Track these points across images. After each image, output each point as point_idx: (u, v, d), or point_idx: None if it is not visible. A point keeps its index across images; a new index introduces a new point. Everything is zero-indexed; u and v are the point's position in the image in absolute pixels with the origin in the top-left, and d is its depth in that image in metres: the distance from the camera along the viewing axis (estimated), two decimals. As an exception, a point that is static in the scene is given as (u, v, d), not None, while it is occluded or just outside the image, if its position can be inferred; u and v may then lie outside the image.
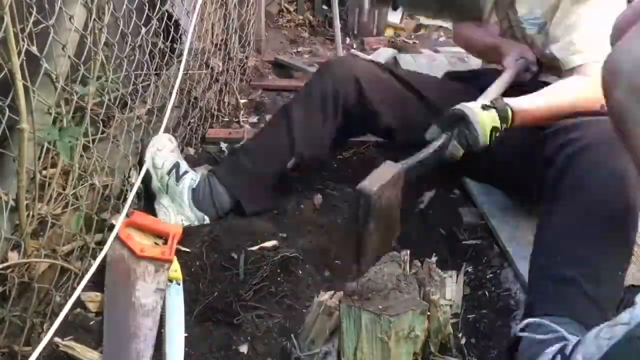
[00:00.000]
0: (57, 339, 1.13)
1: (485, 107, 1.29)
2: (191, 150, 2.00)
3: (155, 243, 1.43)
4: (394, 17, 3.66)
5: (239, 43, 2.53)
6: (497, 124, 1.29)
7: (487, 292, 1.42)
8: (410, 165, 1.26)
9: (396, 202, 1.24)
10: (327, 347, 1.19)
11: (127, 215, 1.41)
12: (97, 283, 1.33)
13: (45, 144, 1.12)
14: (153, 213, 1.60)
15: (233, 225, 1.61)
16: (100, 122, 1.35)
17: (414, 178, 1.27)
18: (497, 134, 1.30)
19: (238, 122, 2.32)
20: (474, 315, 1.34)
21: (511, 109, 1.31)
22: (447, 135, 1.31)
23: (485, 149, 1.30)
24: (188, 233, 1.58)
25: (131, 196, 1.37)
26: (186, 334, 1.25)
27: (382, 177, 1.18)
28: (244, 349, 1.22)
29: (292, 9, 3.83)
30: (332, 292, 1.28)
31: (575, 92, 1.39)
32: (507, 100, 1.34)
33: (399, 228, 1.30)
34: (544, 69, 1.61)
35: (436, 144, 1.30)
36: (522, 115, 1.33)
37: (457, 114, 1.30)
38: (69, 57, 1.15)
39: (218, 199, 1.61)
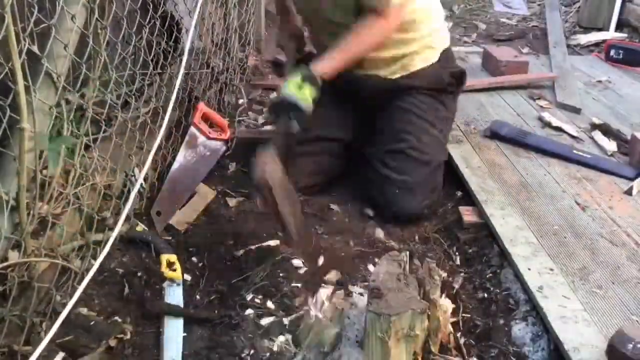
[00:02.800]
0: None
1: (300, 86, 1.54)
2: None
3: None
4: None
5: (239, 42, 2.53)
6: (315, 92, 1.56)
7: (486, 292, 1.42)
8: (275, 146, 1.50)
9: (283, 175, 1.48)
10: (326, 347, 1.19)
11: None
12: (97, 283, 1.33)
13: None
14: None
15: (233, 225, 1.62)
16: (102, 121, 1.35)
17: (283, 147, 1.54)
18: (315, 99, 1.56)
19: (238, 121, 2.32)
20: (473, 315, 1.34)
21: (321, 76, 1.57)
22: (283, 120, 1.55)
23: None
24: (187, 233, 1.59)
25: (132, 195, 1.37)
26: (185, 334, 1.26)
27: (266, 163, 1.43)
28: (243, 348, 1.22)
29: (292, 9, 3.82)
30: (332, 293, 1.29)
31: (370, 37, 1.67)
32: (314, 68, 1.58)
33: (294, 192, 1.55)
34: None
35: (281, 131, 1.56)
36: (330, 74, 1.60)
37: (286, 104, 1.53)
38: (70, 56, 1.15)
39: None
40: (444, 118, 1.85)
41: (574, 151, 1.96)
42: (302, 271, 1.46)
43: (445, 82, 1.85)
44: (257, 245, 1.52)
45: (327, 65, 1.61)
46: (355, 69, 1.75)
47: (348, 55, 1.65)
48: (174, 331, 1.25)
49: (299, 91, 1.53)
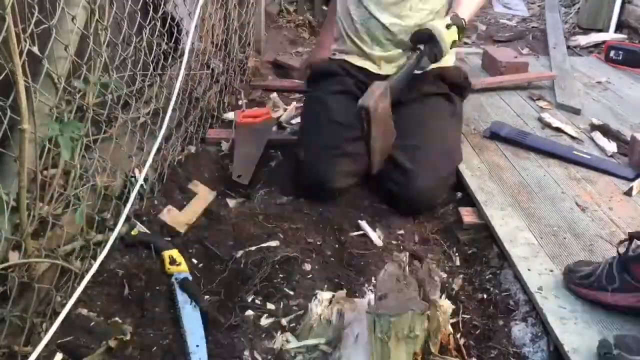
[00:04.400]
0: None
1: (448, 26, 1.66)
2: (192, 149, 2.01)
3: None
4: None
5: (239, 43, 2.53)
6: (456, 37, 1.68)
7: (486, 293, 1.42)
8: (394, 81, 1.66)
9: (388, 112, 1.62)
10: (326, 348, 1.19)
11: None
12: (97, 283, 1.33)
13: (47, 144, 1.12)
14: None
15: (233, 226, 1.62)
16: (103, 122, 1.36)
17: (399, 90, 1.68)
18: (456, 44, 1.71)
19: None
20: (473, 316, 1.34)
21: (464, 21, 1.71)
22: (418, 53, 1.71)
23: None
24: (187, 235, 1.59)
25: (132, 196, 1.37)
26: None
27: (375, 92, 1.53)
28: (243, 349, 1.23)
29: (292, 10, 3.83)
30: (332, 294, 1.29)
31: None
32: (459, 14, 1.71)
33: (394, 132, 1.67)
34: None
35: (410, 64, 1.71)
36: (468, 21, 1.74)
37: (426, 33, 1.68)
38: (71, 57, 1.16)
39: None
40: (459, 121, 1.98)
41: (574, 152, 1.96)
42: (302, 272, 1.46)
43: (466, 81, 1.99)
44: (257, 246, 1.52)
45: (466, 13, 1.72)
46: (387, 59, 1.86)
47: (474, 6, 1.80)
48: (193, 319, 1.26)
49: (443, 28, 1.64)
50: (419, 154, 1.70)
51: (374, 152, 1.54)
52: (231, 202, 1.77)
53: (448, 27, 1.65)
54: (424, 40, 1.68)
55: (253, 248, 1.52)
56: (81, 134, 1.18)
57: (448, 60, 1.90)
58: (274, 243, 1.55)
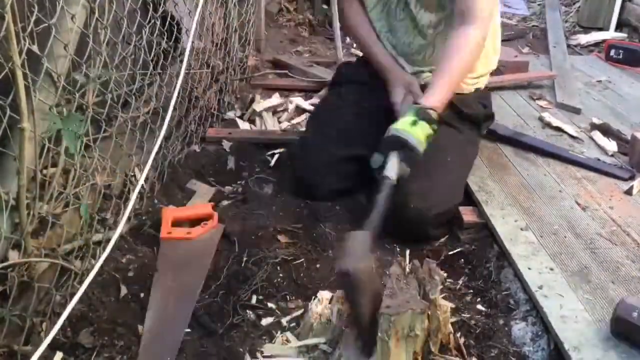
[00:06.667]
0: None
1: (414, 123, 1.43)
2: (196, 148, 2.01)
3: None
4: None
5: (239, 42, 2.53)
6: (429, 130, 1.45)
7: (486, 292, 1.42)
8: (374, 223, 1.29)
9: (372, 270, 1.21)
10: (325, 347, 1.19)
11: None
12: (97, 283, 1.33)
13: (46, 144, 1.12)
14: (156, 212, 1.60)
15: (232, 224, 1.62)
16: (103, 121, 1.35)
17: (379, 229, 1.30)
18: (431, 137, 1.46)
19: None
20: (473, 315, 1.34)
21: (435, 110, 1.47)
22: (385, 183, 1.38)
23: None
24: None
25: (134, 196, 1.37)
26: (188, 330, 1.26)
27: (356, 250, 1.18)
28: (244, 349, 1.22)
29: (292, 8, 3.82)
30: (332, 294, 1.29)
31: (469, 55, 1.56)
32: (426, 103, 1.48)
33: (381, 291, 1.18)
34: None
35: (382, 197, 1.35)
36: (442, 107, 1.51)
37: (394, 141, 1.42)
38: (70, 55, 1.15)
39: None
40: (466, 157, 1.76)
41: (569, 151, 1.96)
42: (302, 272, 1.46)
43: (484, 111, 1.84)
44: (257, 247, 1.52)
45: (437, 98, 1.50)
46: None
47: (454, 79, 1.55)
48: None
49: (411, 128, 1.41)
50: (420, 180, 1.52)
51: (361, 318, 1.15)
52: (230, 202, 1.76)
53: (414, 123, 1.42)
54: (395, 148, 1.41)
55: (254, 248, 1.51)
56: (81, 131, 1.18)
57: (463, 86, 1.71)
58: (274, 242, 1.55)
